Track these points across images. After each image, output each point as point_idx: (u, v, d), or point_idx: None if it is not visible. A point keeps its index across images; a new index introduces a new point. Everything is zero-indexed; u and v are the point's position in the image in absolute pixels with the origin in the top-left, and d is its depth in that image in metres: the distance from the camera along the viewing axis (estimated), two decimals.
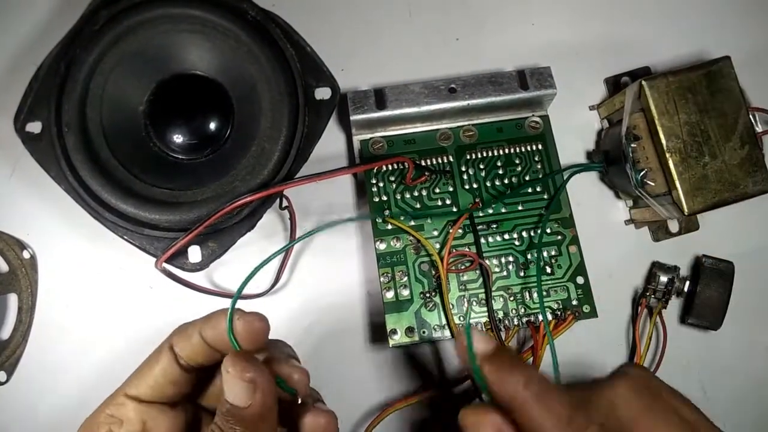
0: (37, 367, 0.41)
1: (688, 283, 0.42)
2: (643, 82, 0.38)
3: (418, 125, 0.42)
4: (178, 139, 0.40)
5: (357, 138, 0.42)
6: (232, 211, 0.36)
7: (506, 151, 0.42)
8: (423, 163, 0.41)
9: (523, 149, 0.42)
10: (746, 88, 0.40)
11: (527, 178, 0.41)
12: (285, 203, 0.39)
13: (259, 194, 0.36)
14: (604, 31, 0.47)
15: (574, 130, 0.45)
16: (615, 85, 0.45)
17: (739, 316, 0.42)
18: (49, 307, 0.41)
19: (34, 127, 0.38)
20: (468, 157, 0.41)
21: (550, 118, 0.42)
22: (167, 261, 0.36)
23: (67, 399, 0.41)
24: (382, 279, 0.39)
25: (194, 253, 0.38)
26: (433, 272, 0.39)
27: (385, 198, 0.40)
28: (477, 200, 0.40)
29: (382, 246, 0.39)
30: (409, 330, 0.38)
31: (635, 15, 0.47)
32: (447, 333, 0.38)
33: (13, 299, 0.41)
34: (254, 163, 0.38)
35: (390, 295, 0.39)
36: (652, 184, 0.39)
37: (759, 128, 0.41)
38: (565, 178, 0.41)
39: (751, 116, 0.39)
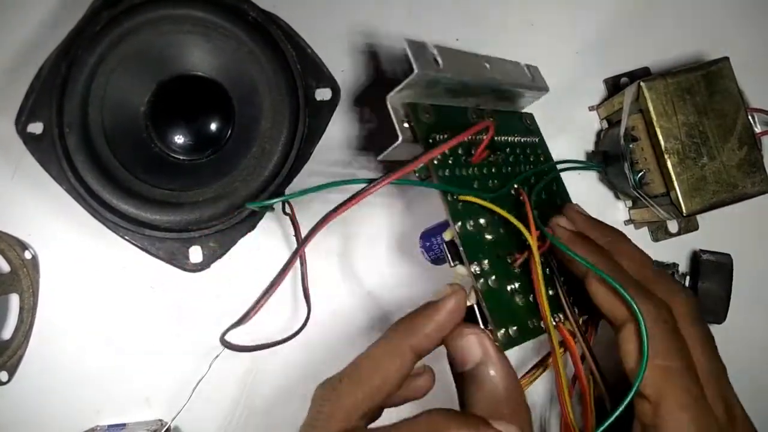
0: (39, 368, 0.41)
1: (687, 279, 0.42)
2: (642, 84, 0.38)
3: (451, 99, 0.35)
4: (179, 139, 0.40)
5: (399, 100, 0.33)
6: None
7: (521, 140, 0.39)
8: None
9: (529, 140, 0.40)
10: (745, 88, 0.40)
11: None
12: (288, 210, 0.39)
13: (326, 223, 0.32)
14: (604, 31, 0.47)
15: (574, 130, 0.45)
16: (614, 85, 0.45)
17: (739, 316, 0.42)
18: (50, 307, 0.42)
19: (36, 127, 0.38)
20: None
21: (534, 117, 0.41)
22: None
23: (69, 399, 0.41)
24: (475, 268, 0.31)
25: (195, 254, 0.38)
26: (513, 258, 0.33)
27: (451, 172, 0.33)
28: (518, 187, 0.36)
29: (462, 226, 0.32)
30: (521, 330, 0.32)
31: (635, 15, 0.47)
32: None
33: (14, 299, 0.41)
34: (255, 163, 0.38)
35: (489, 287, 0.31)
36: (651, 184, 0.39)
37: (758, 129, 0.41)
38: (560, 171, 0.40)
39: (749, 117, 0.39)
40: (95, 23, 0.38)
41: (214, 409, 0.41)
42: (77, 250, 0.42)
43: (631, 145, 0.39)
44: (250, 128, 0.39)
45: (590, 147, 0.45)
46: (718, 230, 0.44)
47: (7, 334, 0.41)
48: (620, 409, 0.29)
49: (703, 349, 0.30)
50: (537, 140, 0.41)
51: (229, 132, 0.40)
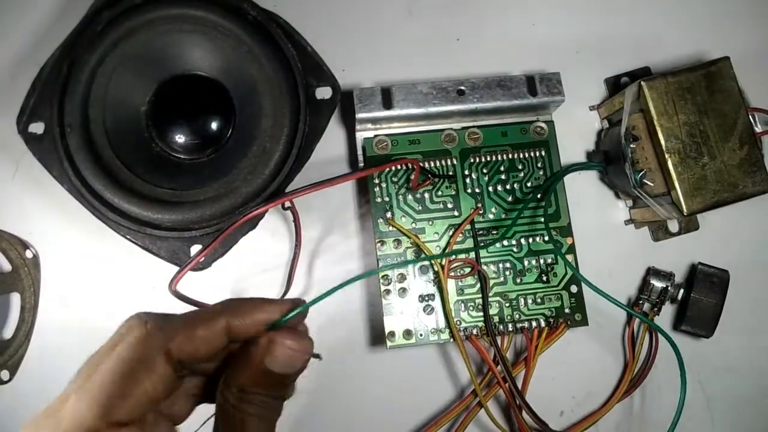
0: (40, 366, 0.41)
1: (682, 291, 0.42)
2: (642, 83, 0.38)
3: (422, 124, 0.41)
4: (180, 139, 0.40)
5: (360, 135, 0.41)
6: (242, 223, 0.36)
7: (510, 156, 0.41)
8: (427, 165, 0.40)
9: (526, 155, 0.41)
10: (745, 88, 0.40)
11: (529, 184, 0.41)
12: (288, 204, 0.39)
13: (269, 205, 0.35)
14: (604, 31, 0.47)
15: (575, 130, 0.45)
16: (615, 85, 0.45)
17: (734, 319, 0.42)
18: (51, 306, 0.42)
19: (37, 127, 0.38)
20: (472, 160, 0.41)
21: (554, 123, 0.42)
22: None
23: None
24: (381, 281, 0.39)
25: (197, 252, 0.39)
26: (432, 276, 0.39)
27: (387, 199, 0.40)
28: (479, 206, 0.40)
29: (383, 248, 0.39)
30: (407, 333, 0.38)
31: (635, 15, 0.47)
32: (444, 336, 0.38)
33: (15, 298, 0.41)
34: (256, 162, 0.38)
35: (389, 297, 0.39)
36: (651, 184, 0.39)
37: (758, 128, 0.41)
38: (563, 173, 0.41)
39: (750, 116, 0.39)
40: (96, 23, 0.38)
41: (214, 409, 0.41)
42: (78, 249, 0.42)
43: (631, 145, 0.39)
44: (251, 127, 0.39)
45: (591, 147, 0.45)
46: (719, 229, 0.44)
47: (9, 333, 0.41)
48: None
49: None
50: (539, 153, 0.41)
51: (230, 131, 0.40)
